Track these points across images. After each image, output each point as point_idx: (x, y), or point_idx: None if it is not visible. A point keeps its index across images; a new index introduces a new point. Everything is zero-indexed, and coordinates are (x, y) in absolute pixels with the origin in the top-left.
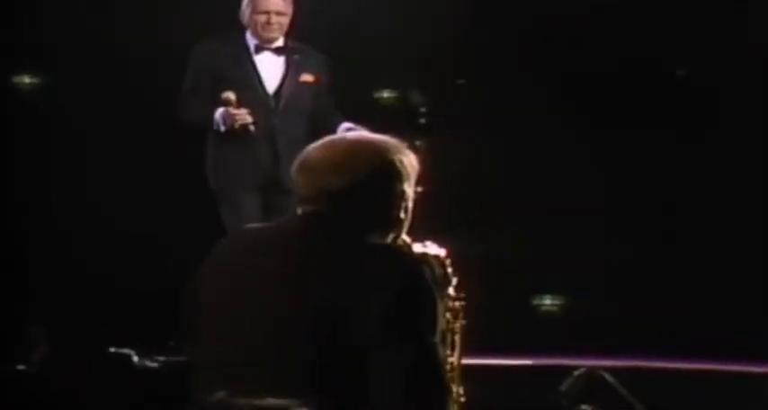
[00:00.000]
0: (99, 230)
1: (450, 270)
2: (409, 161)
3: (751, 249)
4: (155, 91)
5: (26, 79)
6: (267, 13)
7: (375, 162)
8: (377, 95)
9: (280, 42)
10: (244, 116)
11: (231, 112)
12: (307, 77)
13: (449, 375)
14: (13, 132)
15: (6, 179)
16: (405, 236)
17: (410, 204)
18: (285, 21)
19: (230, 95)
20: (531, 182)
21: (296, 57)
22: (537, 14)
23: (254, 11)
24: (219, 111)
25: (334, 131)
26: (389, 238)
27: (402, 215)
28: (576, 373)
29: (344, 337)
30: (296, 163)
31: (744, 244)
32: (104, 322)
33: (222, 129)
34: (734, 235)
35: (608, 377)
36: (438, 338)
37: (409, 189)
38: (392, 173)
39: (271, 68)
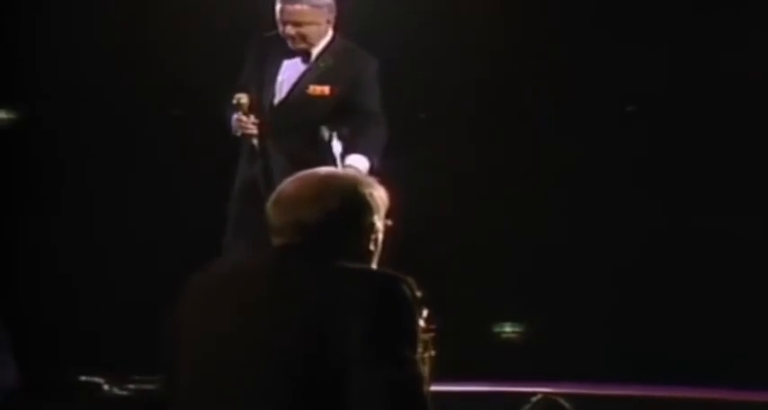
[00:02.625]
0: (65, 261)
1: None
2: (379, 195)
3: (711, 274)
4: (131, 125)
5: (2, 115)
6: (284, 23)
7: (346, 194)
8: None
9: (318, 47)
10: (248, 125)
11: (238, 118)
12: (316, 89)
13: None
14: None
15: None
16: None
17: (380, 236)
18: (308, 30)
19: (242, 98)
20: (487, 208)
21: (321, 65)
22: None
23: (278, 20)
24: (234, 116)
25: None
26: None
27: (372, 247)
28: (533, 399)
29: (326, 358)
30: (271, 197)
31: (704, 267)
32: (75, 350)
33: (235, 134)
34: (696, 260)
35: (564, 403)
36: (417, 354)
37: (379, 222)
38: (363, 206)
39: (288, 77)
